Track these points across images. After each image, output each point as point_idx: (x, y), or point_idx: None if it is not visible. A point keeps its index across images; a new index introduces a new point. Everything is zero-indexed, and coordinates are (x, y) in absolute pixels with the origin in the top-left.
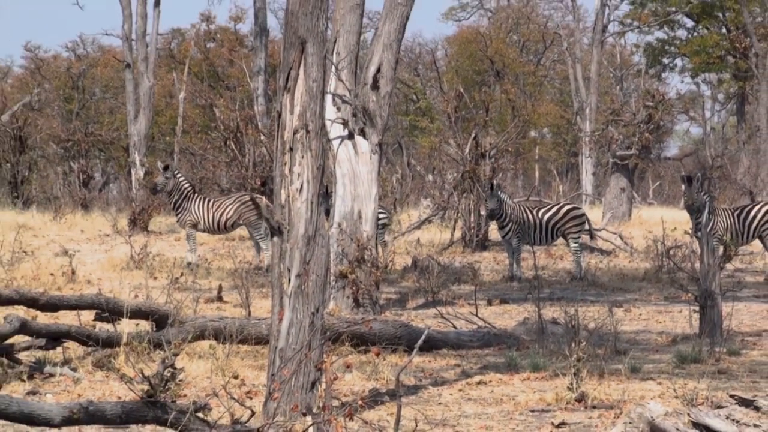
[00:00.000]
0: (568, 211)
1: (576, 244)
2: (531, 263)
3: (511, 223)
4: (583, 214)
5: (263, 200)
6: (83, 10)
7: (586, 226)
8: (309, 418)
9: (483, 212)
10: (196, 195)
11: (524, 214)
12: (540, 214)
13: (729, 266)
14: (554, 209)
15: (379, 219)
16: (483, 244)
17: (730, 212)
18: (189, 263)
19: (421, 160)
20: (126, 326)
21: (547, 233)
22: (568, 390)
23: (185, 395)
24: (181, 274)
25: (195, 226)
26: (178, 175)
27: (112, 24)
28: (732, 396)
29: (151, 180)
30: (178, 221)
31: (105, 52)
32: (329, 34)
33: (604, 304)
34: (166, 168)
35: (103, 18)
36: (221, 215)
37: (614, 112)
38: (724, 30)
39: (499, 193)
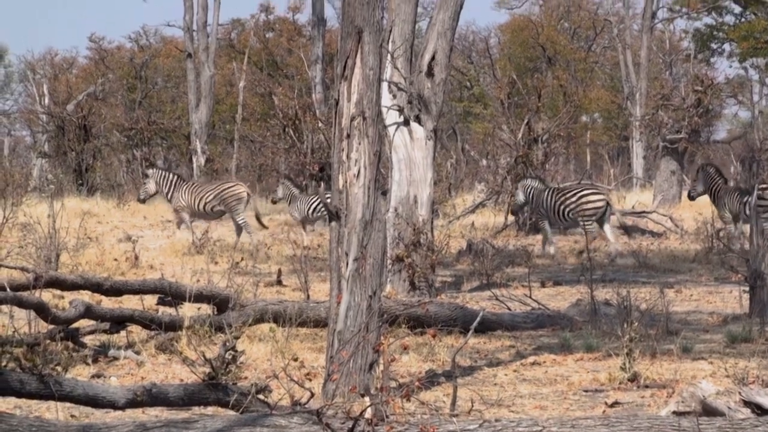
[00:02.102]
0: (582, 195)
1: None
2: (583, 245)
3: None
4: (599, 199)
5: (244, 188)
6: (146, 1)
7: (602, 210)
8: (367, 399)
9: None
10: (183, 183)
11: (547, 198)
12: (556, 198)
13: None
14: (569, 193)
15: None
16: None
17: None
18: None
19: (475, 145)
20: (188, 310)
21: (560, 216)
22: (620, 370)
23: (246, 377)
24: (242, 259)
25: (185, 211)
26: (159, 172)
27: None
28: None
29: (138, 193)
30: (172, 208)
31: (167, 43)
32: (385, 23)
33: (655, 285)
34: (144, 175)
35: (165, 9)
36: (202, 200)
37: (664, 96)
38: None
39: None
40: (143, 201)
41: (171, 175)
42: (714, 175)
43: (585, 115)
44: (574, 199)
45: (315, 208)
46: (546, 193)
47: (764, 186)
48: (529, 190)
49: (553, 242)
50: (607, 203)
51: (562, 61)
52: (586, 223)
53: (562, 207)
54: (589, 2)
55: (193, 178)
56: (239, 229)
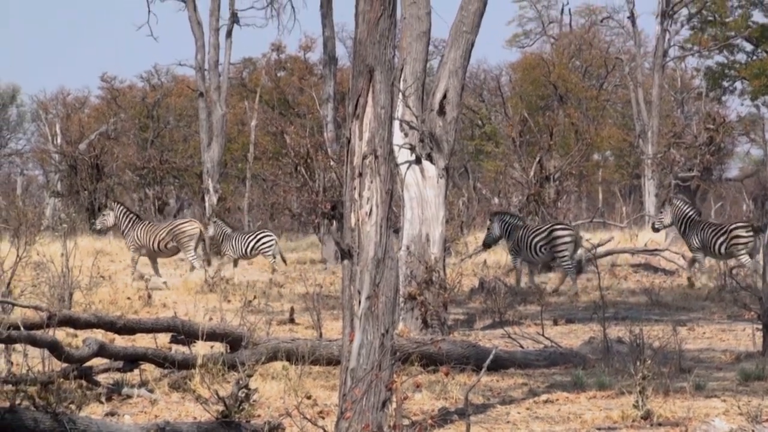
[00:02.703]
0: (552, 231)
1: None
2: (595, 283)
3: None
4: (567, 234)
5: (197, 225)
6: (158, 41)
7: (571, 246)
8: None
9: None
10: (140, 222)
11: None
12: (529, 233)
13: None
14: (540, 229)
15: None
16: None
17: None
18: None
19: (486, 183)
20: (201, 348)
21: (533, 251)
22: (633, 408)
23: (259, 415)
24: (254, 297)
25: (139, 249)
26: (117, 208)
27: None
28: None
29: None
30: (126, 245)
31: (179, 82)
32: (396, 61)
33: (668, 323)
34: (105, 206)
35: (176, 49)
36: (156, 238)
37: (676, 134)
38: None
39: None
40: (98, 231)
41: (131, 214)
42: (683, 207)
43: (597, 153)
44: (544, 234)
45: (253, 246)
46: (521, 229)
47: (741, 224)
48: (505, 225)
49: (523, 279)
50: (575, 239)
51: (574, 99)
52: (561, 260)
53: (534, 242)
54: (600, 41)
55: (150, 219)
56: (192, 266)
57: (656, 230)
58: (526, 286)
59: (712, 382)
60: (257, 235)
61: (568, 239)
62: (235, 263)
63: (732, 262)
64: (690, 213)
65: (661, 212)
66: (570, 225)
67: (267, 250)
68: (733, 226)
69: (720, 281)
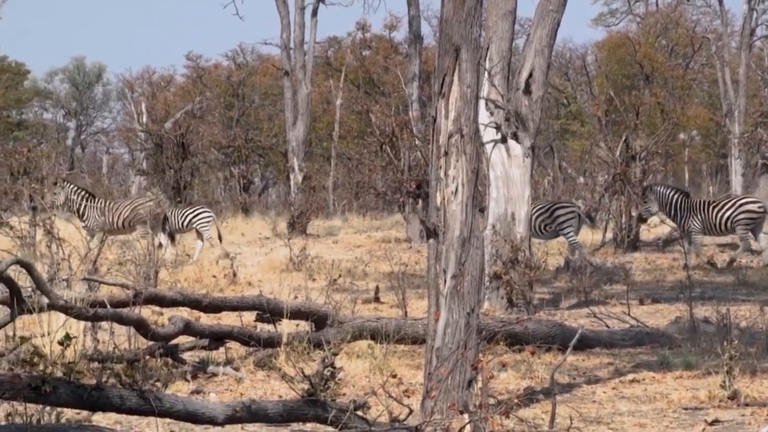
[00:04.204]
0: (555, 208)
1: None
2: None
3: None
4: (569, 211)
5: (160, 199)
6: (243, 20)
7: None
8: (466, 416)
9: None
10: (96, 199)
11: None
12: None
13: None
14: (543, 208)
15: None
16: (634, 245)
17: None
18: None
19: (572, 162)
20: (286, 327)
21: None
22: (720, 388)
23: (344, 394)
24: (339, 276)
25: (97, 227)
26: (68, 186)
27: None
28: None
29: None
30: (84, 226)
31: (264, 61)
32: (482, 40)
33: (755, 302)
34: (55, 184)
35: (262, 28)
36: (118, 215)
37: (763, 114)
38: None
39: None
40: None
41: (83, 192)
42: (667, 192)
43: (683, 133)
44: (548, 213)
45: (190, 221)
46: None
47: (749, 200)
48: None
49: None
50: (579, 215)
51: (660, 78)
52: (567, 235)
53: (538, 221)
54: (687, 20)
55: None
56: (159, 243)
57: (644, 220)
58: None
59: None
60: (195, 210)
61: (571, 215)
62: (172, 238)
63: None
64: (676, 196)
65: (646, 201)
66: (572, 203)
67: (204, 225)
68: (742, 200)
69: None
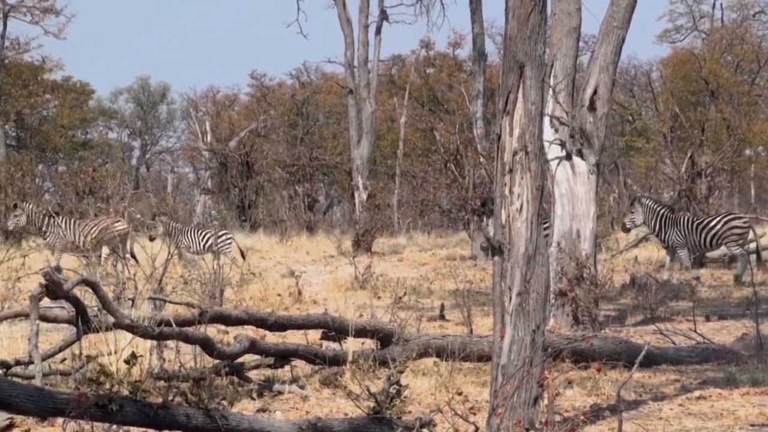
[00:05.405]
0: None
1: None
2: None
3: None
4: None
5: (125, 223)
6: (307, 39)
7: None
8: None
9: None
10: (60, 218)
11: None
12: None
13: None
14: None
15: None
16: (700, 261)
17: None
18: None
19: (637, 179)
20: (351, 345)
21: None
22: None
23: (410, 411)
24: (404, 294)
25: (64, 246)
26: (28, 207)
27: (335, 52)
28: None
29: (5, 224)
30: (46, 244)
31: (328, 79)
32: (546, 57)
33: None
34: (15, 206)
35: (325, 46)
36: (84, 235)
37: None
38: None
39: None
40: (11, 231)
41: (44, 210)
42: (654, 206)
43: (749, 149)
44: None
45: (210, 242)
46: None
47: (733, 215)
48: None
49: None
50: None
51: (725, 94)
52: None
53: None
54: (752, 35)
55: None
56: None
57: (627, 230)
58: None
59: None
60: (215, 233)
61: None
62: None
63: (716, 254)
64: (662, 211)
65: (632, 212)
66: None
67: (225, 247)
68: (728, 217)
69: None
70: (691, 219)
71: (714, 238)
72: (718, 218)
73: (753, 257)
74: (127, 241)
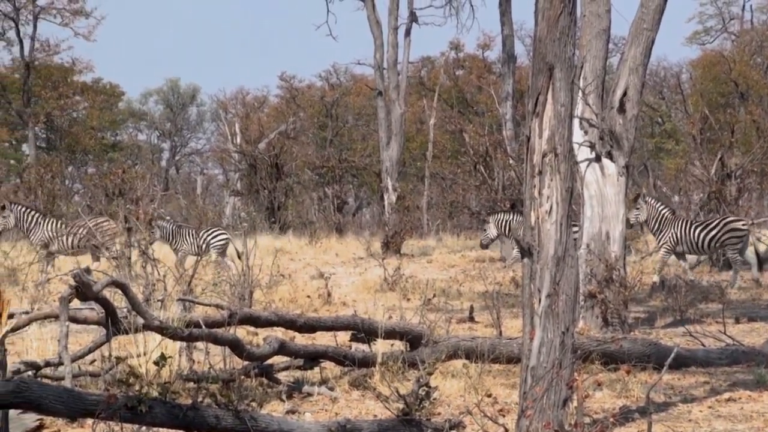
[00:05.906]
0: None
1: None
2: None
3: None
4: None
5: (111, 223)
6: (336, 40)
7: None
8: None
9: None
10: (46, 218)
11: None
12: None
13: None
14: None
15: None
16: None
17: None
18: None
19: (667, 181)
20: (381, 346)
21: None
22: None
23: (439, 413)
24: (434, 296)
25: (47, 246)
26: (16, 208)
27: (364, 53)
28: None
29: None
30: (31, 243)
31: (357, 81)
32: (576, 59)
33: None
34: (2, 208)
35: (355, 48)
36: (73, 235)
37: None
38: None
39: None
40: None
41: (33, 212)
42: (658, 206)
43: None
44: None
45: (208, 243)
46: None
47: (732, 219)
48: (501, 223)
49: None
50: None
51: (755, 96)
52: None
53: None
54: None
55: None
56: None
57: (631, 226)
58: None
59: None
60: (212, 232)
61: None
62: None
63: (692, 259)
64: (665, 212)
65: (637, 208)
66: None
67: (219, 247)
68: (727, 220)
69: None
70: (689, 221)
71: (712, 241)
72: (717, 221)
73: (754, 260)
74: (116, 241)
